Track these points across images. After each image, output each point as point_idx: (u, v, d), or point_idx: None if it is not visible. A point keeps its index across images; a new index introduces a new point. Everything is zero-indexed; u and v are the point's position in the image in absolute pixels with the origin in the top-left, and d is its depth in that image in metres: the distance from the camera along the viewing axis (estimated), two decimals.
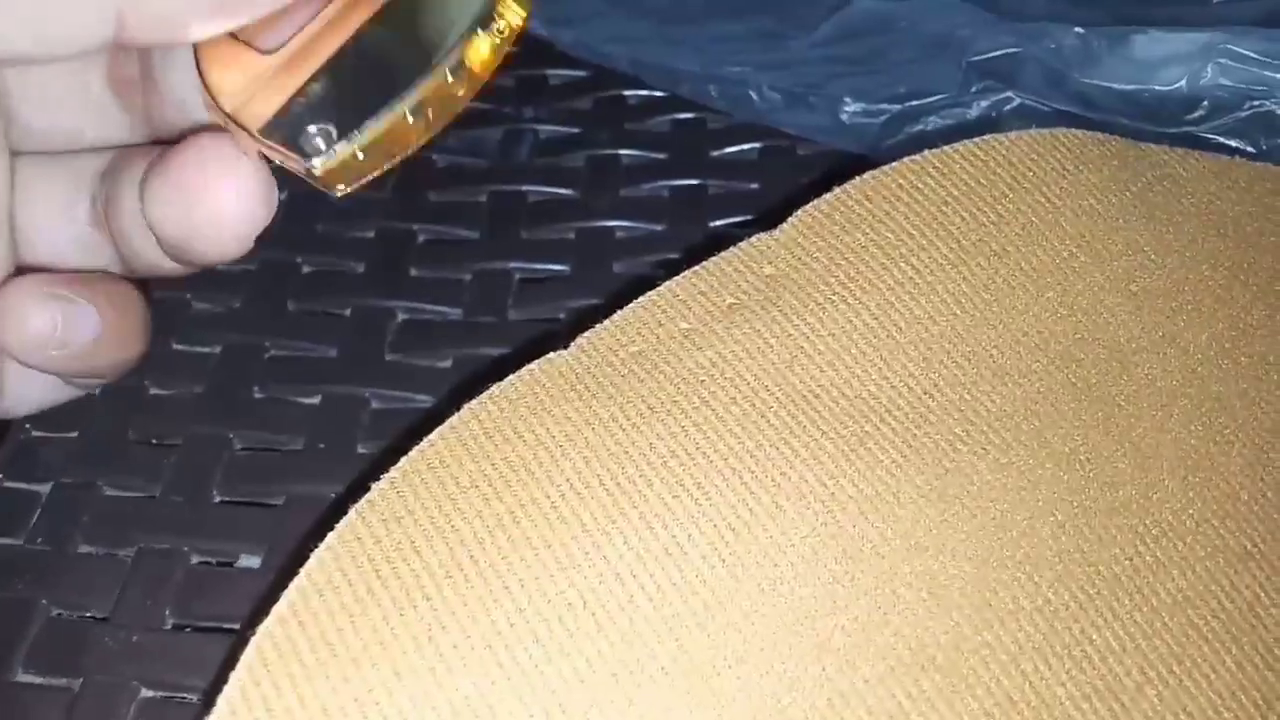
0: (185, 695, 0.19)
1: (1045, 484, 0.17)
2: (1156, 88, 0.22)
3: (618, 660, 0.15)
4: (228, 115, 0.15)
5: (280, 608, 0.15)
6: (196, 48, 0.15)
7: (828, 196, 0.19)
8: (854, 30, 0.25)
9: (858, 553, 0.16)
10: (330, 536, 0.16)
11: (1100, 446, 0.17)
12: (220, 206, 0.15)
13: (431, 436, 0.17)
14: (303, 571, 0.15)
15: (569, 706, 0.14)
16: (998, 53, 0.24)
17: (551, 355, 0.18)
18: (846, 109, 0.25)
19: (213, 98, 0.15)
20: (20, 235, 0.19)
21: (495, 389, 0.17)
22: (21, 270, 0.19)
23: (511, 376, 0.17)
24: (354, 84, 0.15)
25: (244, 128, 0.15)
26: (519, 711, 0.14)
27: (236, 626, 0.20)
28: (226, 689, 0.14)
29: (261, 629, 0.15)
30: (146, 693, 0.20)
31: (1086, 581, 0.16)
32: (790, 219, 0.19)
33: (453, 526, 0.16)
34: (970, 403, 0.17)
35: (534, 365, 0.17)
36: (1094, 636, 0.16)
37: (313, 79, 0.15)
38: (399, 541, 0.15)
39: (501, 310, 0.25)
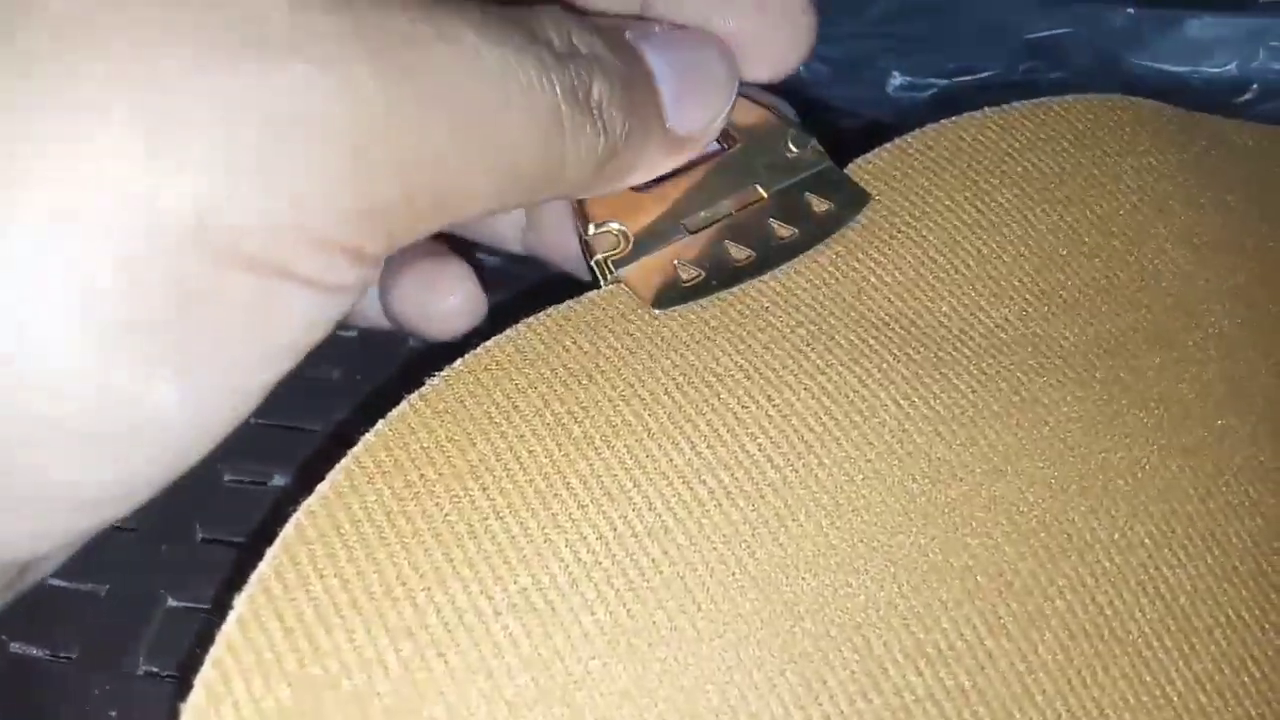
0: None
1: (1121, 419, 0.16)
2: (1207, 70, 0.22)
3: (685, 563, 0.14)
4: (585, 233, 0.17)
5: (324, 488, 0.14)
6: None
7: (887, 145, 0.19)
8: (906, 10, 0.25)
9: (935, 473, 0.15)
10: (380, 423, 0.15)
11: (1172, 389, 0.17)
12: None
13: (486, 344, 0.16)
14: (350, 453, 0.14)
15: (633, 607, 0.13)
16: (1048, 33, 0.24)
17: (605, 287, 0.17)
18: (893, 82, 0.25)
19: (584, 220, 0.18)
20: None
21: (552, 308, 0.16)
22: None
23: (570, 300, 0.16)
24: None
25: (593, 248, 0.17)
26: (580, 607, 0.13)
27: None
28: (261, 567, 0.13)
29: (303, 507, 0.14)
30: (173, 602, 0.19)
31: (1161, 519, 0.15)
32: (850, 165, 0.18)
33: (510, 423, 0.15)
34: (1044, 338, 0.17)
35: (589, 293, 0.17)
36: (1167, 575, 0.15)
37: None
38: (453, 433, 0.14)
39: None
